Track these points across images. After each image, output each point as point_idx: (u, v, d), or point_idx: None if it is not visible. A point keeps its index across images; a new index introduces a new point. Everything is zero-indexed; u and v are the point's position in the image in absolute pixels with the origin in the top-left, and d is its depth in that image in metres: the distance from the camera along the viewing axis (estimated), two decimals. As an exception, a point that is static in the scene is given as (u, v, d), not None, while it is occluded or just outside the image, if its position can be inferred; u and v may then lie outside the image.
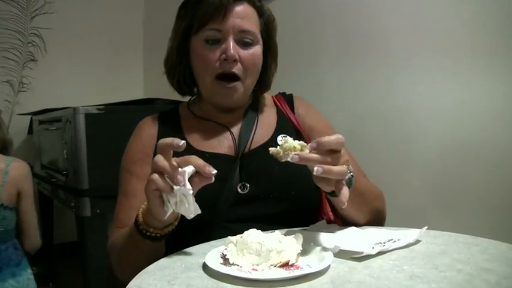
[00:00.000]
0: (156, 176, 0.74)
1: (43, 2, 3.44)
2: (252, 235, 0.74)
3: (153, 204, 0.76)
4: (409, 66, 1.67)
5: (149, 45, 3.94)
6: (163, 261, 0.77)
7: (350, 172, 0.79)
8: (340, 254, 0.75)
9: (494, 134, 1.42)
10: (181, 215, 0.78)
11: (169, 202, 0.75)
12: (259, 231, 0.76)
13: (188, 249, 0.84)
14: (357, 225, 0.96)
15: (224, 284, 0.66)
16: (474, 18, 1.46)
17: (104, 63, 3.79)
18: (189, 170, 0.73)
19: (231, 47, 0.99)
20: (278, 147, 0.77)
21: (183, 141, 0.73)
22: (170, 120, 1.13)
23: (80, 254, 2.45)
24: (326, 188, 0.79)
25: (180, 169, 0.73)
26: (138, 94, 3.77)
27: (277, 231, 0.77)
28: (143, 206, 0.83)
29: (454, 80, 1.52)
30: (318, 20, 2.13)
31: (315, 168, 0.72)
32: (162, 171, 0.74)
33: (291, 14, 2.15)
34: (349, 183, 0.80)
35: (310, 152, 0.75)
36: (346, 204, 0.75)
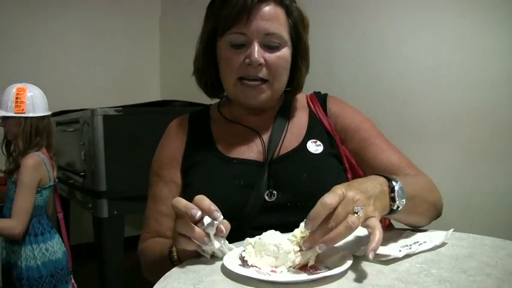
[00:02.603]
0: (183, 240, 0.75)
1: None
2: (270, 237, 0.73)
3: (189, 256, 0.79)
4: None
5: (166, 45, 3.95)
6: (187, 264, 0.76)
7: (358, 213, 0.69)
8: (366, 256, 0.74)
9: None
10: None
11: (204, 252, 0.76)
12: (278, 232, 0.74)
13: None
14: (420, 227, 0.92)
15: (249, 288, 0.65)
16: None
17: (120, 64, 3.82)
18: (212, 232, 0.73)
19: (256, 51, 0.95)
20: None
21: (199, 213, 0.72)
22: (200, 123, 1.11)
23: (97, 255, 2.47)
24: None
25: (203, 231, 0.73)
26: (155, 95, 3.79)
27: (296, 231, 0.73)
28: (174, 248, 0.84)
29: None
30: None
31: (316, 248, 0.67)
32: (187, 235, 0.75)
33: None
34: (395, 211, 0.77)
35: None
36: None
